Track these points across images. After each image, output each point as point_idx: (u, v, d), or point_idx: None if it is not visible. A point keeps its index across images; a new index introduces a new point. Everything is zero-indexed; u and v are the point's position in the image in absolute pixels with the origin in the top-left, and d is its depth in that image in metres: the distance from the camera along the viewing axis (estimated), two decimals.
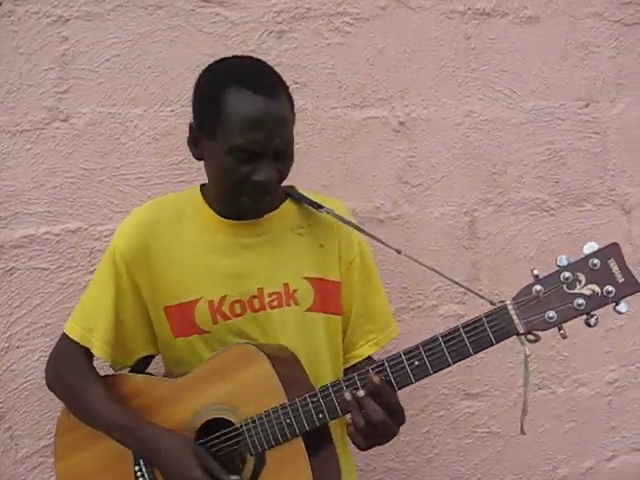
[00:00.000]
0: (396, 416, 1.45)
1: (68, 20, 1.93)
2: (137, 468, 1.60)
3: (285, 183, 1.61)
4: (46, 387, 1.75)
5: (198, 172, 2.01)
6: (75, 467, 1.67)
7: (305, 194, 1.70)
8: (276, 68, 1.60)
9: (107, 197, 1.98)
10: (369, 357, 1.74)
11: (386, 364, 1.44)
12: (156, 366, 1.77)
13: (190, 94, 1.97)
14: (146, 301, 1.62)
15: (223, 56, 1.99)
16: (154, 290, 1.60)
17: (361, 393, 1.41)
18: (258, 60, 1.62)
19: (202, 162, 2.02)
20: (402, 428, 1.50)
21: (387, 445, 2.20)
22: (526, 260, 2.36)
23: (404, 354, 1.42)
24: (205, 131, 1.54)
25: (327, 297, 1.67)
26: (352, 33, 2.14)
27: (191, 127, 1.59)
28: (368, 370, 1.44)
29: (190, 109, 1.98)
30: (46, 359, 1.75)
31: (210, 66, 1.60)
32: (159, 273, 1.60)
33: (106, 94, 1.97)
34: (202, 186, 1.68)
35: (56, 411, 1.93)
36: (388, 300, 1.81)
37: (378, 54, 2.17)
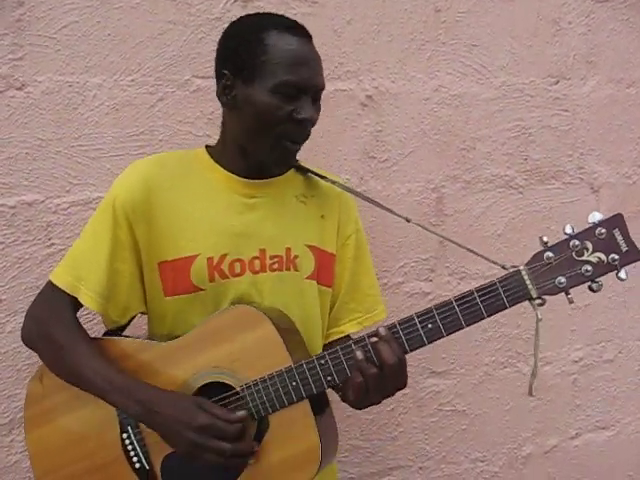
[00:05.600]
0: (403, 371, 1.45)
1: None
2: (125, 435, 1.53)
3: None
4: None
5: (160, 144, 1.97)
6: (52, 436, 1.57)
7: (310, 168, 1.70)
8: None
9: (64, 169, 1.91)
10: (348, 335, 1.72)
11: (398, 327, 1.44)
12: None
13: (152, 63, 1.95)
14: (142, 256, 1.56)
15: (186, 24, 1.95)
16: (151, 246, 1.55)
17: (382, 331, 1.43)
18: None
19: (163, 135, 1.98)
20: None
21: (352, 423, 2.23)
22: (493, 237, 2.35)
23: (417, 317, 1.44)
24: (242, 76, 1.52)
25: (324, 268, 1.66)
26: (319, 3, 2.09)
27: (222, 75, 1.55)
28: (378, 330, 1.45)
29: (152, 78, 1.95)
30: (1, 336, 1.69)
31: (239, 18, 1.61)
32: (158, 228, 1.55)
33: (64, 62, 1.90)
34: (207, 147, 1.65)
35: (14, 388, 1.89)
36: (377, 282, 1.79)
37: (346, 25, 2.13)
